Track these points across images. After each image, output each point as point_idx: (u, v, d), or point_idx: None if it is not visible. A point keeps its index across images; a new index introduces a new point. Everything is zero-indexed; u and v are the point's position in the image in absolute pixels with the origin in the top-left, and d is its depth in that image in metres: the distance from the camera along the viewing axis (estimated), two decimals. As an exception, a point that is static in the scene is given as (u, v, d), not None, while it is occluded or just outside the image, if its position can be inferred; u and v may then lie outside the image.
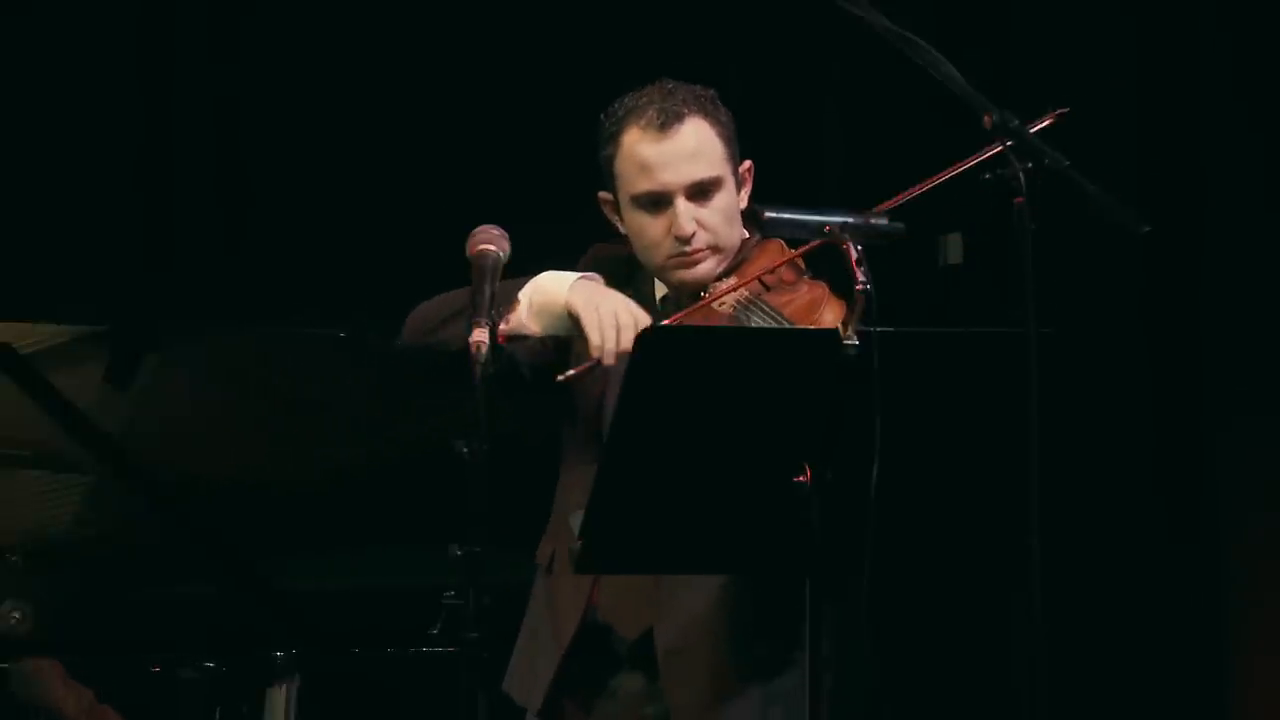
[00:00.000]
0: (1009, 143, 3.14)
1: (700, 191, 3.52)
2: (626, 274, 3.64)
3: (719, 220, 3.53)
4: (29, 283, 5.27)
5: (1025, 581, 3.03)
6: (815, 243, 3.30)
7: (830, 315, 3.43)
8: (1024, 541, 3.02)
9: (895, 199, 3.26)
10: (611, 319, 3.37)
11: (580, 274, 3.48)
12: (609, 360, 3.35)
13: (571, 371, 3.39)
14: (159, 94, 5.67)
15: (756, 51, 5.52)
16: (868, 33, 3.25)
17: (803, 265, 3.51)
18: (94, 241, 5.51)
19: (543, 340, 3.52)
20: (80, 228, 5.52)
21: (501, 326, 3.37)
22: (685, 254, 3.52)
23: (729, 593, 3.46)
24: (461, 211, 3.57)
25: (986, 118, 3.16)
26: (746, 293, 3.47)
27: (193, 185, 5.68)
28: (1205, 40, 5.33)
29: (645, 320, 3.39)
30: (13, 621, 4.26)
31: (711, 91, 3.58)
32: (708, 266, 3.53)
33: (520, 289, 3.48)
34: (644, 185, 3.52)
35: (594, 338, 3.37)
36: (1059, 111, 3.30)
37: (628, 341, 3.32)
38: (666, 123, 3.50)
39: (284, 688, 4.22)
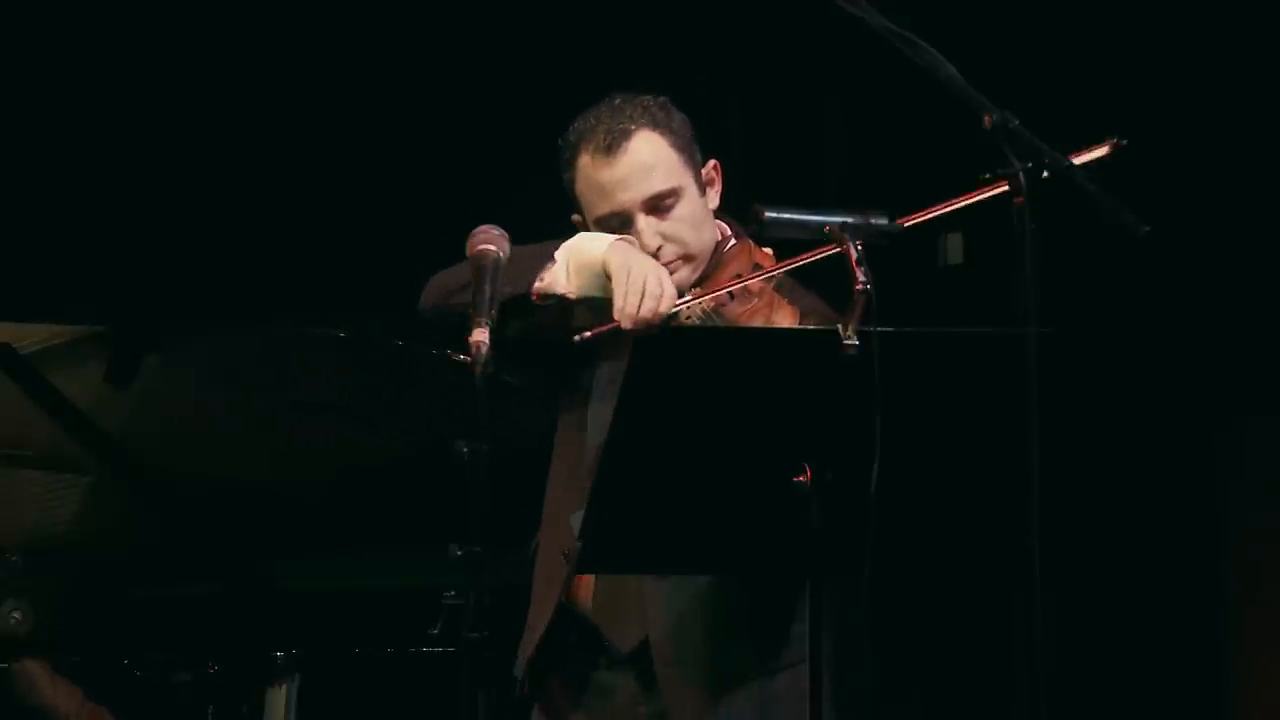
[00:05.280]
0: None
1: (659, 204, 3.50)
2: None
3: (684, 229, 3.51)
4: (29, 283, 5.28)
5: (1025, 582, 3.03)
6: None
7: (782, 322, 3.43)
8: (1024, 542, 3.01)
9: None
10: (639, 285, 3.34)
11: (618, 236, 3.46)
12: (628, 324, 3.32)
13: (588, 333, 3.37)
14: (160, 95, 5.68)
15: (757, 52, 5.51)
16: (868, 33, 3.25)
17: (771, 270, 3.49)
18: (94, 242, 5.52)
19: (550, 312, 3.49)
20: (81, 228, 5.53)
21: (536, 285, 3.39)
22: None
23: (720, 600, 3.46)
24: (461, 211, 3.57)
25: (986, 118, 3.15)
26: (711, 303, 3.46)
27: (194, 186, 5.68)
28: (1206, 40, 5.33)
29: (672, 293, 3.36)
30: (13, 621, 4.27)
31: (663, 99, 3.56)
32: (681, 275, 3.50)
33: (551, 249, 3.45)
34: (603, 208, 3.52)
35: (619, 300, 3.34)
36: (1116, 142, 3.28)
37: (649, 310, 3.31)
38: (614, 143, 3.49)
39: (284, 688, 4.22)
